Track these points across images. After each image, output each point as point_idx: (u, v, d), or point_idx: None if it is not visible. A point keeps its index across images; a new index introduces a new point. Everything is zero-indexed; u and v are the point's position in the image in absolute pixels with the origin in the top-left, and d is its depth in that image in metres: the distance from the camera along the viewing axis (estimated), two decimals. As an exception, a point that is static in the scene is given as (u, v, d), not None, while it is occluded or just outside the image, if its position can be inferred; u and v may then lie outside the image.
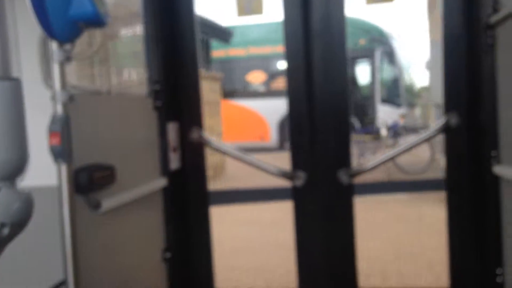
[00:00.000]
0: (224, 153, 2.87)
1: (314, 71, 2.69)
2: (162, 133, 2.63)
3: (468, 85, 2.57)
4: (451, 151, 2.65)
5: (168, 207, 2.63)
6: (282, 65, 14.64)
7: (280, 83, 14.89)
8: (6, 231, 0.91)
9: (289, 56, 2.72)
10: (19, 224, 0.94)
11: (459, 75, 2.59)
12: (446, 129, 2.62)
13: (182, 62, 2.79)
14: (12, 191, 0.95)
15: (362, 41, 14.82)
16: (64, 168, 1.78)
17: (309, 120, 2.71)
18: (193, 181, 2.84)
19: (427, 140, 2.69)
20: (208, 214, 2.87)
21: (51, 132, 1.75)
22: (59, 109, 1.78)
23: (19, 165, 0.97)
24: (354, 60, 14.76)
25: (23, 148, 0.97)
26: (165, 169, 2.63)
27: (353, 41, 14.31)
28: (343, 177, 2.69)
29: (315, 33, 2.67)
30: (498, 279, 2.34)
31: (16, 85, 0.96)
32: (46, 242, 1.95)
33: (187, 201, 2.82)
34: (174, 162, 2.71)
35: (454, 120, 2.59)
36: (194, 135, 2.80)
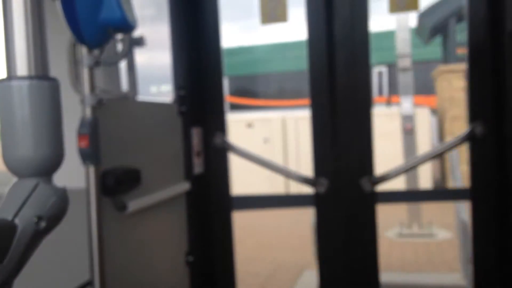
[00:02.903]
0: (247, 158, 2.89)
1: (337, 78, 2.69)
2: (186, 138, 2.66)
3: (493, 94, 2.56)
4: (475, 160, 2.63)
5: (191, 211, 2.66)
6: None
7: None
8: (43, 224, 0.95)
9: (312, 63, 2.73)
10: (55, 218, 0.98)
11: (484, 84, 2.58)
12: (471, 138, 2.60)
13: (207, 67, 2.82)
14: (49, 186, 0.99)
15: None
16: (92, 170, 1.82)
17: (331, 127, 2.72)
18: (216, 185, 2.87)
19: (452, 148, 2.67)
20: (230, 219, 2.89)
21: (80, 135, 1.79)
22: (88, 112, 1.83)
23: (56, 162, 1.01)
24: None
25: (60, 145, 1.01)
26: (188, 173, 2.65)
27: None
28: (365, 184, 2.69)
29: (338, 40, 2.68)
30: None
31: (54, 84, 1.01)
32: (72, 244, 1.99)
33: (210, 205, 2.85)
34: (198, 167, 2.74)
35: (479, 129, 2.57)
36: (217, 140, 2.82)
